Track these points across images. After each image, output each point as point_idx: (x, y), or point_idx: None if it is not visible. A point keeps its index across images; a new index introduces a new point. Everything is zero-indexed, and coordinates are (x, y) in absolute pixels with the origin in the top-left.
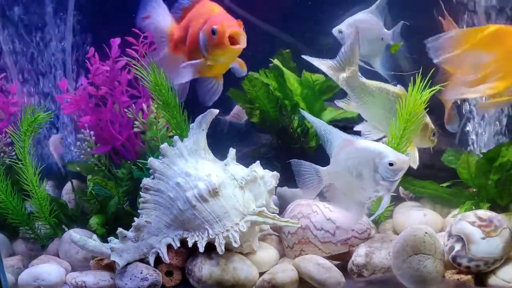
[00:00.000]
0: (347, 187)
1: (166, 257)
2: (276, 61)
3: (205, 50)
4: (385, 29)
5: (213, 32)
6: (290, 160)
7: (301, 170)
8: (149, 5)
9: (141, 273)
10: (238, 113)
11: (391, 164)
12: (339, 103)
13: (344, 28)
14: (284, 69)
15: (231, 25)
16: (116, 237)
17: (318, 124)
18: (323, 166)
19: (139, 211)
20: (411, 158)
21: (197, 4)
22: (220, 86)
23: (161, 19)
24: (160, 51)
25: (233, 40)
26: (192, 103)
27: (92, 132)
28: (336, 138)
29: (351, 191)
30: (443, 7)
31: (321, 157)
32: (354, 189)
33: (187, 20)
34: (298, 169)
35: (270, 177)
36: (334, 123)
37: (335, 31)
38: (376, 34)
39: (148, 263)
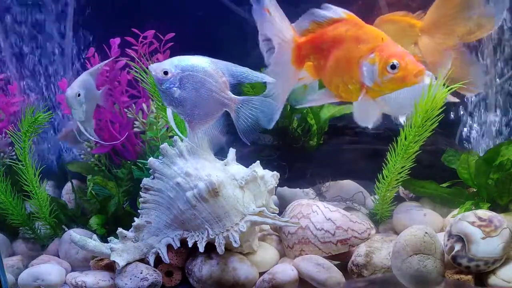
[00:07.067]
0: None
1: (166, 257)
2: None
3: (370, 80)
4: (96, 90)
5: (393, 66)
6: None
7: None
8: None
9: (141, 273)
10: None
11: None
12: None
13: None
14: None
15: (412, 61)
16: (116, 237)
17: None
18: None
19: (139, 211)
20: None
21: (343, 23)
22: None
23: (283, 25)
24: (279, 59)
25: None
26: None
27: None
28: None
29: None
30: None
31: (322, 155)
32: None
33: (321, 37)
34: None
35: (270, 177)
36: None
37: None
38: (91, 94)
39: (148, 263)
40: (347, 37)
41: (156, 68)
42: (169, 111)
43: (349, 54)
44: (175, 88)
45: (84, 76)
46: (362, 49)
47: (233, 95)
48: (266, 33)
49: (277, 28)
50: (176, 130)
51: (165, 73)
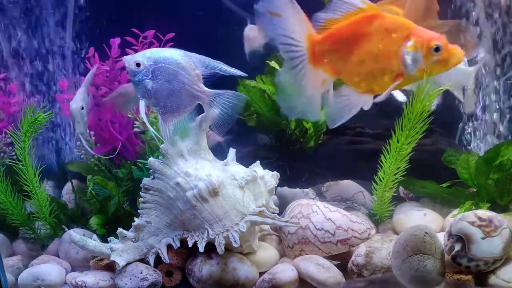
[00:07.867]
0: None
1: (166, 257)
2: (273, 63)
3: (415, 67)
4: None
5: (437, 49)
6: None
7: None
8: (278, 3)
9: (141, 273)
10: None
11: None
12: None
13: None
14: None
15: (447, 41)
16: (116, 237)
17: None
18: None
19: (139, 211)
20: None
21: (363, 16)
22: None
23: (297, 22)
24: (295, 62)
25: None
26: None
27: (92, 132)
28: None
29: None
30: None
31: (320, 156)
32: None
33: (341, 33)
34: None
35: (270, 177)
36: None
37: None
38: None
39: (148, 263)
40: (374, 29)
41: (129, 60)
42: (142, 103)
43: (384, 46)
44: (148, 80)
45: (83, 88)
46: (397, 38)
47: (206, 88)
48: (275, 36)
49: (290, 28)
50: (147, 122)
51: (138, 65)
